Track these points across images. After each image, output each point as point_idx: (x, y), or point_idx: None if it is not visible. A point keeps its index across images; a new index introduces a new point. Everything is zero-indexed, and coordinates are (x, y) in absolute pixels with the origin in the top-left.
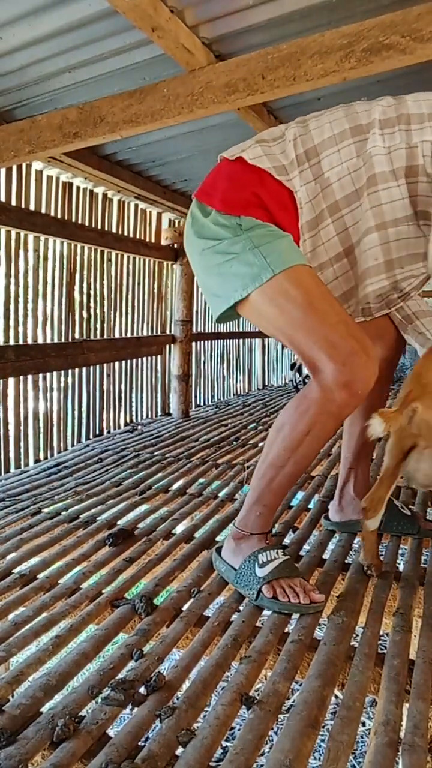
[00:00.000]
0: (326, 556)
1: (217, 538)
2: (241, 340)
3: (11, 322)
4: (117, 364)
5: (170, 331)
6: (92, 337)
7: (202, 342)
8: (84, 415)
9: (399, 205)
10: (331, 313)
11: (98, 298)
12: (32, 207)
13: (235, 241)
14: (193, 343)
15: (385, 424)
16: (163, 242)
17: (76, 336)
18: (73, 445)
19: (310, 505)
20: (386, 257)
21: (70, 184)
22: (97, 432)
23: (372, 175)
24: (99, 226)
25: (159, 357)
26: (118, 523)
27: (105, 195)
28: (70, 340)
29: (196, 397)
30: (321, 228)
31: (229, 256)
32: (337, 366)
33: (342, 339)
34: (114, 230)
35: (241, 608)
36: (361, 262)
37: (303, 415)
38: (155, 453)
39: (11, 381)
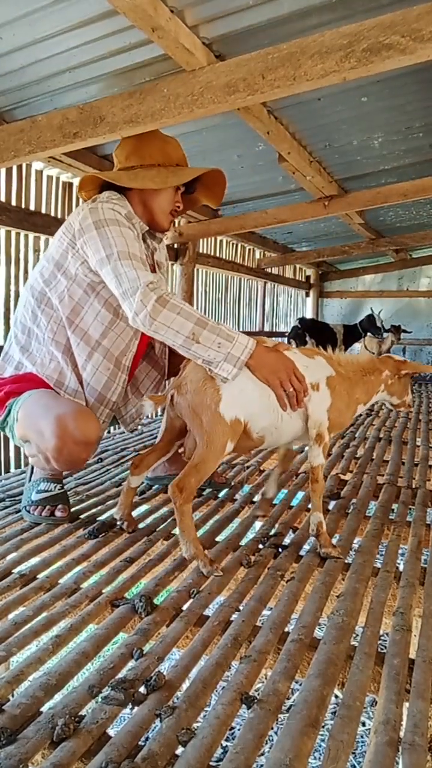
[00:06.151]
0: None
1: (217, 539)
2: None
3: (11, 322)
4: None
5: None
6: None
7: None
8: None
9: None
10: None
11: None
12: (32, 207)
13: None
14: None
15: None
16: (164, 242)
17: None
18: None
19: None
20: None
21: (70, 184)
22: None
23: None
24: None
25: None
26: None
27: None
28: None
29: None
30: None
31: None
32: None
33: None
34: None
35: (241, 608)
36: None
37: None
38: None
39: None
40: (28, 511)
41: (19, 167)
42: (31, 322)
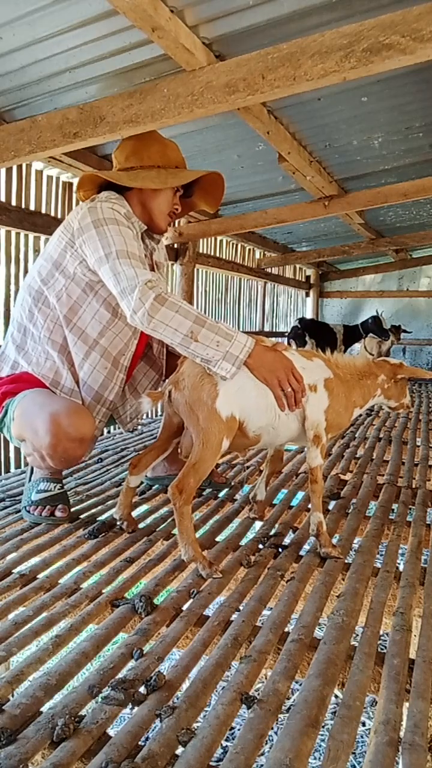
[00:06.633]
0: None
1: (217, 539)
2: None
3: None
4: None
5: None
6: None
7: None
8: None
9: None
10: None
11: None
12: (32, 207)
13: None
14: None
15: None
16: (163, 242)
17: None
18: None
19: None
20: None
21: (70, 184)
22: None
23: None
24: None
25: None
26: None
27: None
28: None
29: None
30: None
31: None
32: None
33: None
34: None
35: (241, 608)
36: None
37: None
38: None
39: None
40: (28, 511)
41: (19, 167)
42: (27, 321)
